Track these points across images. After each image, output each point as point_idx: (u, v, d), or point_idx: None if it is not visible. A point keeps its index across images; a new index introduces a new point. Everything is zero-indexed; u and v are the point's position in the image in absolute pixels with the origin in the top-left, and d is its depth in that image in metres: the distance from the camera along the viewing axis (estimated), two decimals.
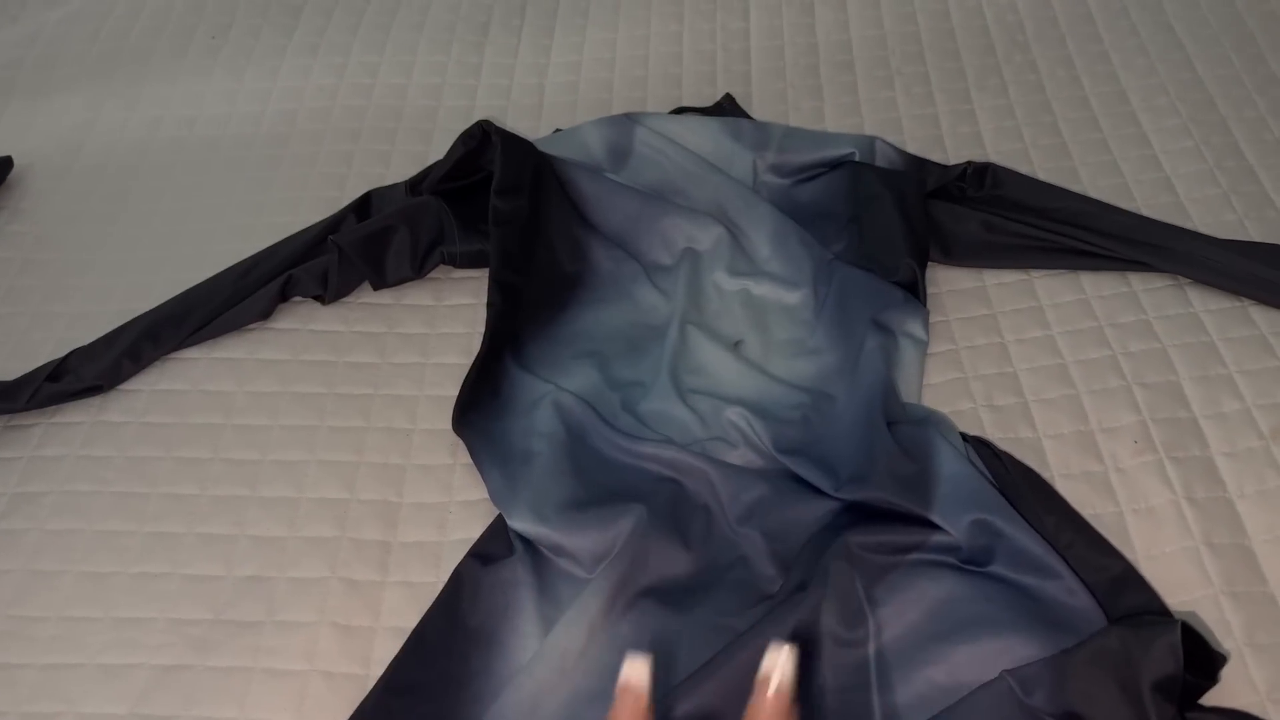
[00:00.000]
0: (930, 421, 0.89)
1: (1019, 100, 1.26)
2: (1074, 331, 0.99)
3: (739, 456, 0.92)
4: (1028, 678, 0.71)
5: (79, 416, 0.98)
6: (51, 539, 0.89)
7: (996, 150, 1.20)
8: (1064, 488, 0.87)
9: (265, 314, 1.06)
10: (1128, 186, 1.13)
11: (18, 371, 1.01)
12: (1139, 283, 1.03)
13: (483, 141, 1.13)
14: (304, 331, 1.06)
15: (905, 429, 0.88)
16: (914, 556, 0.81)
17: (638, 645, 0.81)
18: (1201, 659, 0.71)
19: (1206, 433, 0.89)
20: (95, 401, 1.00)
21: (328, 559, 0.88)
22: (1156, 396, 0.92)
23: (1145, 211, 1.10)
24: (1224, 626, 0.78)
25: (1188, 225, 1.08)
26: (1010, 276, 1.06)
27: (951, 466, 0.83)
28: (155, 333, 1.03)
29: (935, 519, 0.81)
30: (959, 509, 0.81)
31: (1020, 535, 0.79)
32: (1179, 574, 0.81)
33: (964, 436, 0.89)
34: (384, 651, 0.82)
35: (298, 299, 1.08)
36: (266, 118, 1.32)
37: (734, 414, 0.94)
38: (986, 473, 0.85)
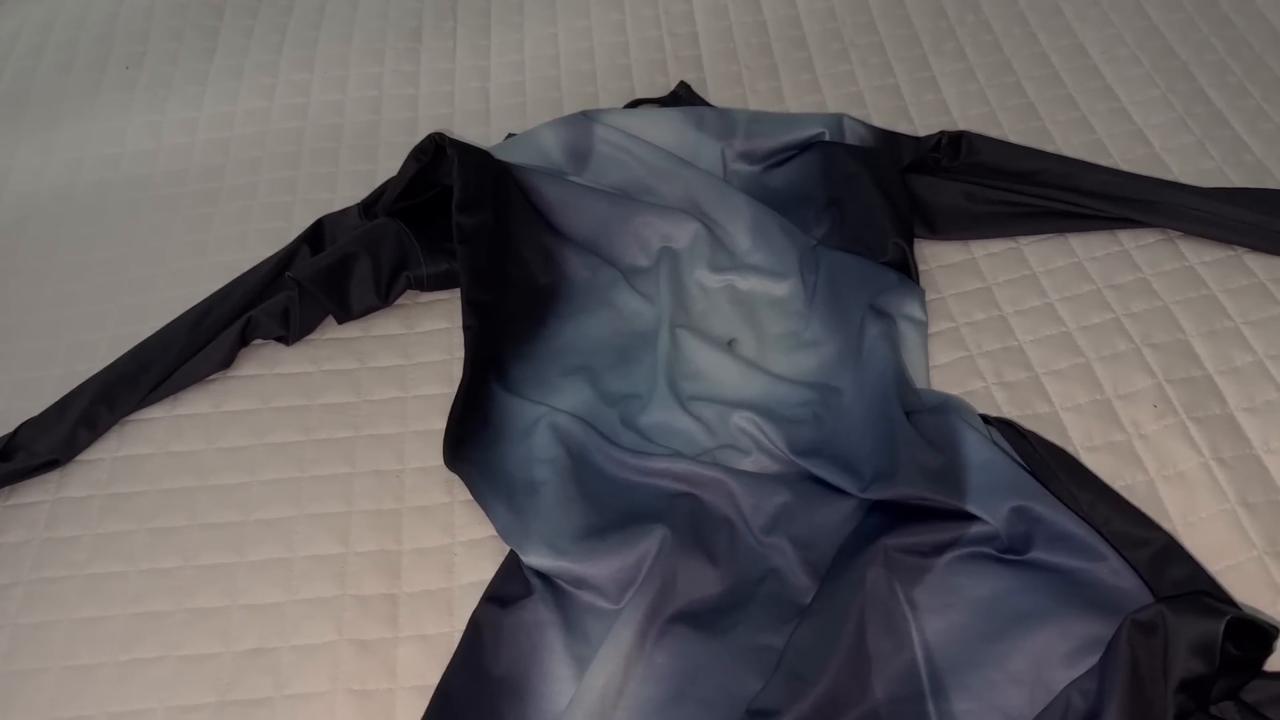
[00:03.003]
0: (949, 407, 0.86)
1: (978, 63, 1.23)
2: (1073, 297, 0.97)
3: (753, 463, 0.88)
4: (1089, 690, 0.69)
5: (37, 495, 0.91)
6: (27, 635, 0.82)
7: (964, 116, 1.17)
8: (1090, 461, 0.85)
9: (226, 362, 0.99)
10: (1101, 142, 1.12)
11: None
12: (1129, 240, 1.01)
13: (436, 155, 1.07)
14: (270, 376, 0.99)
15: (925, 418, 0.85)
16: (951, 554, 0.78)
17: (675, 675, 0.77)
18: (1255, 635, 0.69)
19: (1224, 389, 0.88)
20: (53, 477, 0.92)
21: (332, 620, 0.82)
22: (1168, 357, 0.91)
23: (1123, 166, 1.08)
24: (1273, 589, 0.77)
25: (1168, 176, 1.06)
26: (999, 246, 1.03)
27: (981, 454, 0.81)
28: (109, 395, 0.95)
29: (972, 509, 0.78)
30: (995, 497, 0.78)
31: (1060, 518, 0.77)
32: (1219, 538, 0.80)
33: (985, 419, 0.86)
34: (407, 715, 0.76)
35: (259, 342, 1.01)
36: (197, 149, 1.24)
37: (742, 419, 0.90)
38: (1015, 455, 0.83)
